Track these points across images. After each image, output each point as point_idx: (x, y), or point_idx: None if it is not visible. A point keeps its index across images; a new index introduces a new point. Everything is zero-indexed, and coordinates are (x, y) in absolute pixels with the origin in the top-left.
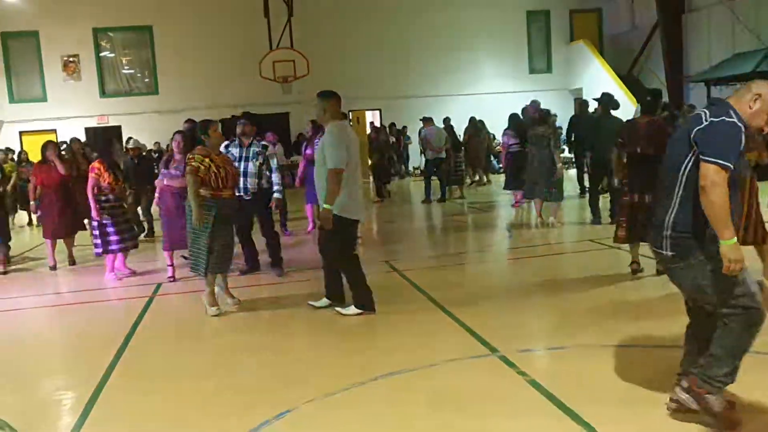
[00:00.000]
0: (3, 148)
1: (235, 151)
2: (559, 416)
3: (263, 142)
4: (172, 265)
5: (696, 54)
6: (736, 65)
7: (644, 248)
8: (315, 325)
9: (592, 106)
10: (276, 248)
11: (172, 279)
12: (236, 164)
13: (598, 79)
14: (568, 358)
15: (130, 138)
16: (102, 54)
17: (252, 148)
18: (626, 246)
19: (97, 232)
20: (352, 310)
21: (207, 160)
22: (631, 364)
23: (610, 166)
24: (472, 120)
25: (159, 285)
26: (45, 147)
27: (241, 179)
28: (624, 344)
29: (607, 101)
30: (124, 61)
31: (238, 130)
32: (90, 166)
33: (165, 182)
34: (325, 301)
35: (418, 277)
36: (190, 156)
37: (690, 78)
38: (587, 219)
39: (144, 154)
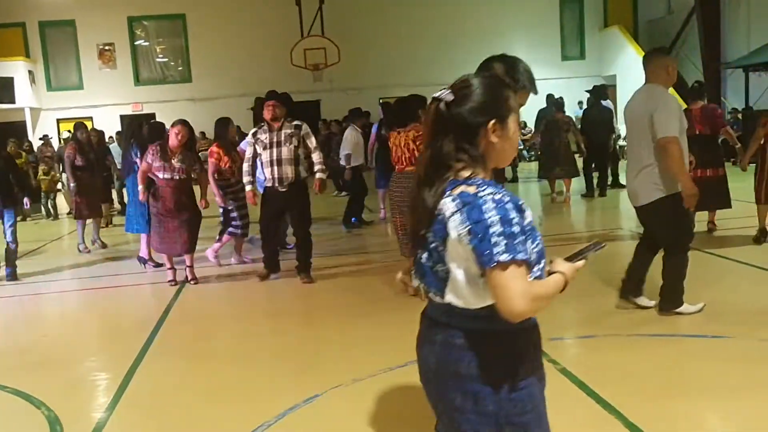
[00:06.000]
0: (41, 135)
1: (264, 137)
2: (591, 405)
3: (296, 122)
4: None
5: (734, 39)
6: None
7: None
8: (345, 313)
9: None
10: (307, 251)
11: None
12: (266, 152)
13: (632, 65)
14: (599, 347)
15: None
16: (136, 42)
17: (284, 131)
18: None
19: (223, 218)
20: (690, 308)
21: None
22: (662, 354)
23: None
24: None
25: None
26: (162, 129)
27: (275, 168)
28: (655, 333)
29: (598, 93)
30: (158, 50)
31: (267, 114)
32: (209, 151)
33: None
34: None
35: None
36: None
37: (728, 64)
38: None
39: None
